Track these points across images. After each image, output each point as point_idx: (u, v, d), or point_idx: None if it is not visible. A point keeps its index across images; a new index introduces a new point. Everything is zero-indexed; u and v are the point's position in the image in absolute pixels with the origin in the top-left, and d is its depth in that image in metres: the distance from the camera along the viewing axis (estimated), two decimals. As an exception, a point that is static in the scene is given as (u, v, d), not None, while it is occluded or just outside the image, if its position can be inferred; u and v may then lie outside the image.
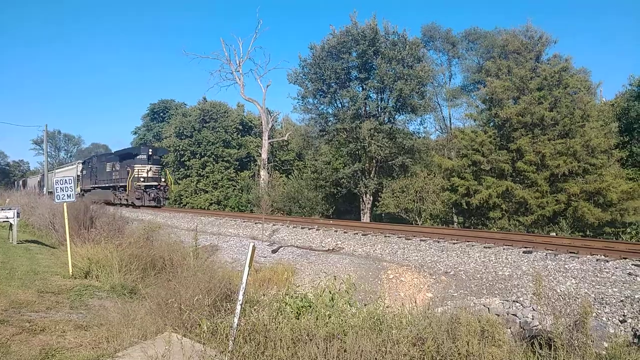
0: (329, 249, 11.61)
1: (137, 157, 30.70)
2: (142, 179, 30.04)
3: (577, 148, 21.70)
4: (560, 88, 23.28)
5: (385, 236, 12.04)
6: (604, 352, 4.80)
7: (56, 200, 10.93)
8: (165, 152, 40.40)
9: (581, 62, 68.13)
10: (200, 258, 9.95)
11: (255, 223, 16.87)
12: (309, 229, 14.59)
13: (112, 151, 43.48)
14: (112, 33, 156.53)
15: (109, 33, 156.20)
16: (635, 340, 5.54)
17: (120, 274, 9.00)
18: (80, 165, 43.87)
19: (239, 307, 4.98)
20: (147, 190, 30.05)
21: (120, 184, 31.54)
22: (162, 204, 30.73)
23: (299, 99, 31.39)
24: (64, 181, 10.84)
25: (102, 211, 16.69)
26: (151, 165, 30.73)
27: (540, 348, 4.81)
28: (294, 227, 15.21)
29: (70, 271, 9.62)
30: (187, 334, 5.22)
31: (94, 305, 7.27)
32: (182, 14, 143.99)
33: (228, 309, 5.62)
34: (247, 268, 5.17)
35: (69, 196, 10.78)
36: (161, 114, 59.95)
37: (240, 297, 5.03)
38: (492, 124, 25.75)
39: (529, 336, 5.42)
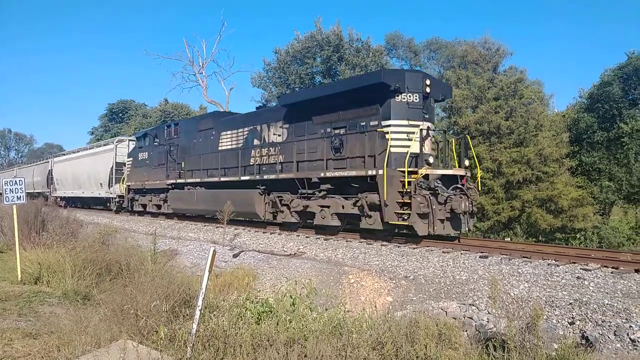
0: (290, 254, 11.59)
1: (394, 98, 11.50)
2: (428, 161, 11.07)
3: (531, 156, 22.59)
4: (516, 98, 24.21)
5: (347, 241, 12.14)
6: (554, 354, 5.00)
7: (5, 203, 10.43)
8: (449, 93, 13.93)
9: (535, 74, 71.06)
10: (159, 263, 9.71)
11: (217, 227, 16.63)
12: (271, 233, 14.52)
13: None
14: (67, 29, 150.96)
15: (62, 29, 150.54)
16: (583, 342, 5.80)
17: (73, 279, 8.65)
18: (131, 142, 25.60)
19: (198, 313, 4.90)
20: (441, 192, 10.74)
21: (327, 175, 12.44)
22: (468, 229, 11.64)
23: (262, 103, 31.25)
24: (14, 182, 10.38)
25: (54, 214, 16.01)
26: (428, 124, 11.84)
27: (495, 350, 4.96)
28: (255, 232, 15.10)
29: (19, 277, 9.19)
30: (143, 341, 5.07)
31: (44, 313, 6.97)
32: (142, 12, 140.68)
33: (187, 314, 5.51)
34: (207, 273, 5.10)
35: (19, 198, 10.32)
36: (120, 115, 58.23)
37: (200, 302, 4.95)
38: (451, 131, 26.46)
39: (484, 339, 5.58)
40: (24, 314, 6.85)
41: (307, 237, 13.26)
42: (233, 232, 15.25)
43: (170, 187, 19.95)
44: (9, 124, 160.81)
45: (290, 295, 6.55)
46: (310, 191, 13.07)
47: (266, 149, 14.99)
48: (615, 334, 5.70)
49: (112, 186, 25.86)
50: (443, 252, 9.97)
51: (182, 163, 19.24)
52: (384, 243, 11.33)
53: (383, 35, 48.95)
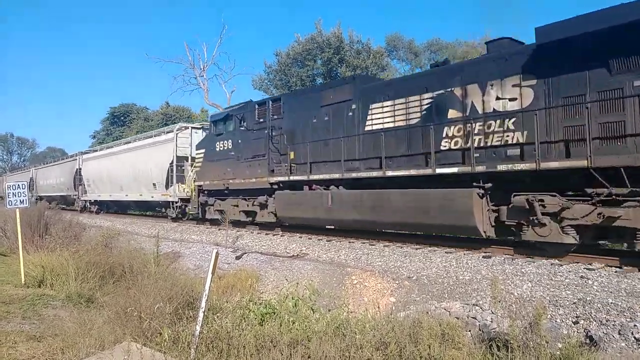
0: (293, 255, 11.59)
1: None
2: None
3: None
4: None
5: (349, 242, 12.14)
6: (557, 353, 4.99)
7: (8, 206, 10.47)
8: None
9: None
10: (162, 265, 9.73)
11: (219, 229, 16.66)
12: (273, 235, 14.53)
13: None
14: (68, 33, 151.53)
15: (63, 33, 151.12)
16: (587, 341, 5.78)
17: (76, 282, 8.67)
18: (196, 131, 21.17)
19: (201, 315, 4.91)
20: None
21: None
22: None
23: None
24: (16, 186, 10.42)
25: (57, 217, 16.06)
26: None
27: (498, 350, 4.95)
28: (258, 233, 15.11)
29: (23, 280, 9.22)
30: (147, 343, 5.08)
31: (48, 315, 6.99)
32: (144, 16, 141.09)
33: (190, 316, 5.53)
34: (210, 275, 5.11)
35: (22, 202, 10.36)
36: (122, 118, 58.37)
37: (203, 304, 4.96)
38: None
39: (487, 338, 5.57)
40: (27, 316, 6.87)
41: (309, 238, 13.27)
42: (235, 234, 15.27)
43: (276, 186, 14.37)
44: (11, 128, 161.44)
45: (293, 297, 6.55)
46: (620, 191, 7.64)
47: (481, 122, 9.62)
48: (619, 333, 5.68)
49: (170, 186, 20.48)
50: (446, 252, 9.97)
51: (292, 153, 13.87)
52: (387, 244, 11.34)
53: (383, 36, 49.03)
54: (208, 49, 38.29)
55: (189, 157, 19.93)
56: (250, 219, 16.07)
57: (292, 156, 13.82)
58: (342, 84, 13.46)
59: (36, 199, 34.17)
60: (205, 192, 17.75)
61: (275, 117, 14.75)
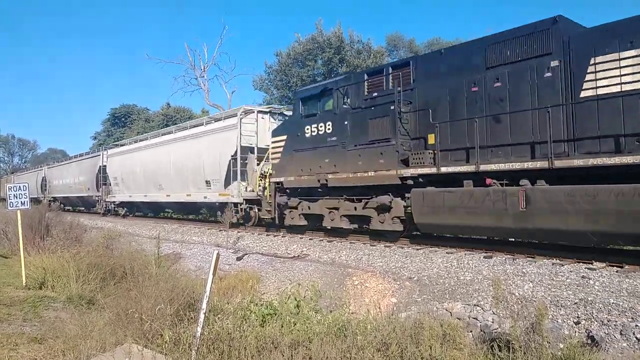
0: (294, 256, 11.59)
1: None
2: None
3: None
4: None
5: (350, 242, 12.13)
6: (559, 353, 4.99)
7: (9, 208, 10.48)
8: None
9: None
10: (163, 266, 9.75)
11: (220, 230, 16.65)
12: (274, 236, 14.52)
13: None
14: (69, 34, 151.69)
15: (63, 34, 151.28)
16: (589, 341, 5.78)
17: (77, 284, 8.69)
18: (262, 115, 17.24)
19: (202, 316, 4.91)
20: None
21: None
22: None
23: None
24: (17, 188, 10.44)
25: (58, 219, 16.09)
26: None
27: (500, 350, 4.95)
28: (259, 234, 15.11)
29: (24, 282, 9.23)
30: (148, 344, 5.09)
31: (49, 317, 7.00)
32: (144, 16, 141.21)
33: (191, 318, 5.52)
34: (211, 276, 5.12)
35: (23, 203, 10.37)
36: (123, 119, 58.46)
37: (204, 305, 4.96)
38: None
39: (489, 339, 5.57)
40: (28, 318, 6.88)
41: (310, 239, 13.26)
42: (236, 235, 15.27)
43: (410, 182, 10.58)
44: (12, 129, 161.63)
45: (295, 298, 6.56)
46: None
47: None
48: (621, 333, 5.67)
49: (232, 184, 16.65)
50: (447, 252, 9.95)
51: (431, 135, 10.25)
52: (388, 244, 11.33)
53: (384, 36, 49.04)
54: (208, 49, 38.41)
55: (255, 148, 16.38)
56: (355, 226, 12.47)
57: (431, 140, 10.28)
58: (529, 32, 9.13)
59: (49, 201, 32.01)
60: (287, 190, 13.96)
61: (404, 87, 10.79)
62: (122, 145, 27.17)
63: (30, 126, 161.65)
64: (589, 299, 6.54)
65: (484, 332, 6.25)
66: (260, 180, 15.23)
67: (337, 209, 12.47)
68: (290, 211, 14.00)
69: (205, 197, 18.24)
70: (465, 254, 9.63)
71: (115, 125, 59.04)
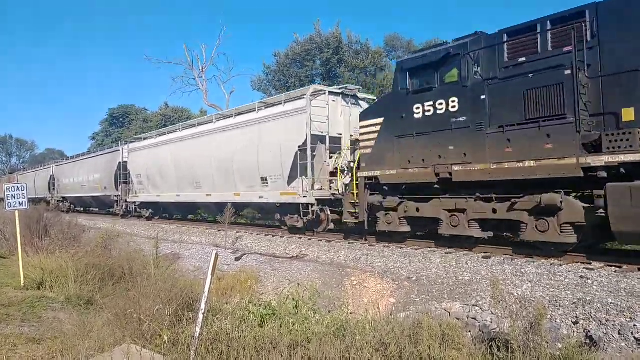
0: (293, 256, 11.59)
1: None
2: None
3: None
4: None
5: (349, 243, 12.13)
6: (558, 353, 4.99)
7: (7, 208, 10.46)
8: None
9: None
10: (162, 267, 9.74)
11: (219, 231, 16.64)
12: (273, 236, 14.51)
13: None
14: (66, 34, 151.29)
15: (61, 34, 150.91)
16: (587, 341, 5.79)
17: (76, 284, 8.67)
18: (334, 96, 13.97)
19: (201, 316, 4.91)
20: None
21: None
22: None
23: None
24: (15, 188, 10.42)
25: (57, 219, 16.06)
26: None
27: (499, 350, 4.95)
28: (257, 235, 15.09)
29: (22, 282, 9.22)
30: (147, 345, 5.09)
31: (47, 318, 6.99)
32: (142, 16, 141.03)
33: (190, 318, 5.52)
34: (209, 276, 5.11)
35: (21, 204, 10.35)
36: (121, 119, 58.38)
37: (203, 306, 4.96)
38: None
39: (487, 339, 5.57)
40: (27, 319, 6.87)
41: (309, 239, 13.25)
42: (235, 235, 15.25)
43: (603, 173, 7.58)
44: (10, 130, 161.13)
45: (293, 298, 6.55)
46: None
47: None
48: (619, 333, 5.69)
49: (297, 181, 13.98)
50: (446, 253, 9.95)
51: (629, 110, 7.55)
52: (386, 245, 11.32)
53: (382, 36, 49.06)
54: (207, 50, 38.36)
55: (326, 137, 13.63)
56: (490, 234, 9.84)
57: (629, 116, 7.55)
58: None
59: (58, 201, 30.59)
60: (385, 187, 11.22)
61: (574, 48, 7.82)
62: (146, 138, 24.02)
63: (28, 126, 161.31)
64: (588, 299, 6.55)
65: (483, 332, 6.25)
66: (334, 176, 13.27)
67: (462, 211, 9.65)
68: (387, 214, 11.14)
69: (260, 197, 15.12)
70: (464, 254, 9.63)
71: (113, 126, 58.95)
